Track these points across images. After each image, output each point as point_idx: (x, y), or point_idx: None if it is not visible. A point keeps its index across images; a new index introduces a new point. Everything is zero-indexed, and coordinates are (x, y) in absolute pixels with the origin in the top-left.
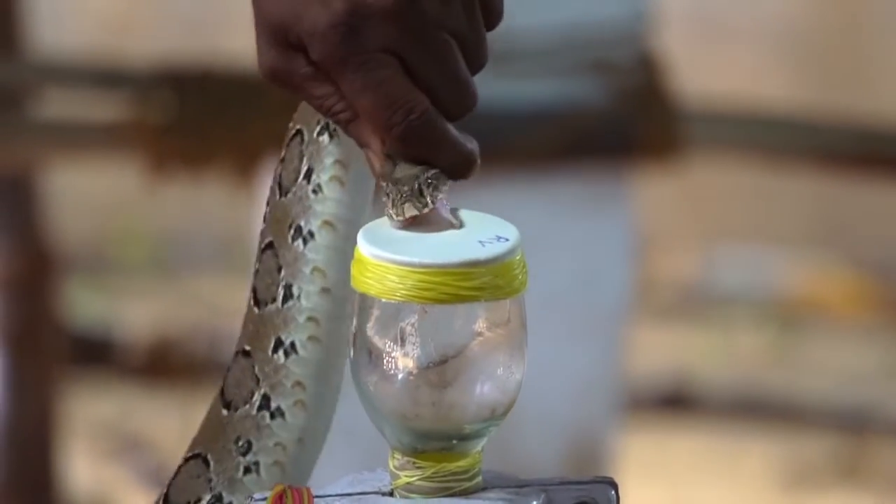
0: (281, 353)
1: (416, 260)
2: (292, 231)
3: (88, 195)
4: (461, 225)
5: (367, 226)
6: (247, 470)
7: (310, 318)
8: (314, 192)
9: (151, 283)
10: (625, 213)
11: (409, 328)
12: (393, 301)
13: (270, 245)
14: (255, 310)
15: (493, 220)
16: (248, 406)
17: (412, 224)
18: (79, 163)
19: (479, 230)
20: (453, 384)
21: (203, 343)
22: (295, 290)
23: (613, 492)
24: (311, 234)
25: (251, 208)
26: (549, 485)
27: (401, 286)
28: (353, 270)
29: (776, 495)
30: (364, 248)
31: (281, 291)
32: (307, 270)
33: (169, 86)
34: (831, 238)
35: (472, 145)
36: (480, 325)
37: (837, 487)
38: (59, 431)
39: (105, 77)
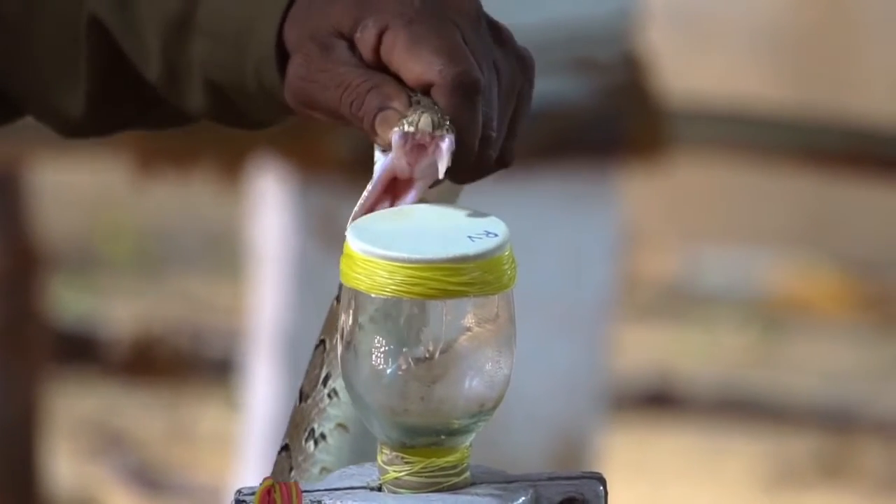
0: None
1: (404, 255)
2: (306, 434)
3: (74, 192)
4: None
5: (355, 222)
6: None
7: None
8: (329, 396)
9: (137, 281)
10: (609, 211)
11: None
12: (382, 296)
13: (285, 448)
14: None
15: (482, 216)
16: None
17: (410, 151)
18: (65, 160)
19: (468, 225)
20: (442, 379)
21: (187, 340)
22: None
23: (602, 487)
24: (323, 437)
25: (238, 206)
26: (538, 480)
27: (390, 281)
28: (343, 266)
29: (759, 494)
30: (353, 243)
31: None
32: (315, 471)
33: None
34: (815, 236)
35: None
36: (469, 320)
37: (820, 486)
38: (43, 428)
39: None
